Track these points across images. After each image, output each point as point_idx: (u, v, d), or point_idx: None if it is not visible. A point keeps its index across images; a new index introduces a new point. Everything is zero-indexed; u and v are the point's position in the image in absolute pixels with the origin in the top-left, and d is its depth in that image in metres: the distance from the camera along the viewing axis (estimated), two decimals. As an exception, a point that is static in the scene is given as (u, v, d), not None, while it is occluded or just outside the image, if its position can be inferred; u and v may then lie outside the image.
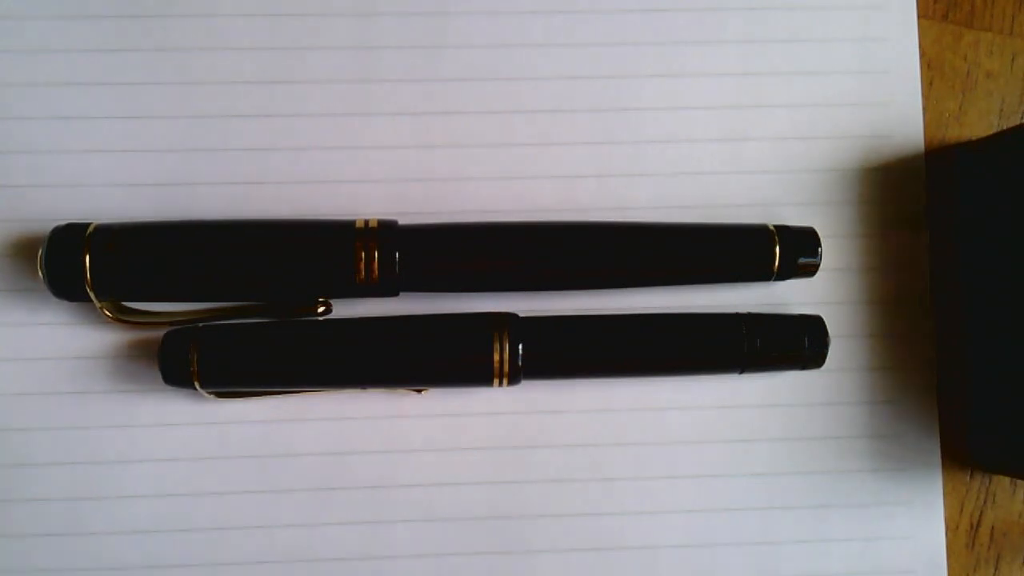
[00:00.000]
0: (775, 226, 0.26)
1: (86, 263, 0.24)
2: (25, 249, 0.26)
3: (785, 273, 0.26)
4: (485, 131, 0.27)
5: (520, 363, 0.25)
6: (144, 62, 0.27)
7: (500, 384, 0.25)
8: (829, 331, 0.26)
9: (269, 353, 0.25)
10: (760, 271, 0.26)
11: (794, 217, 0.27)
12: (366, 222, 0.25)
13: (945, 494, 0.28)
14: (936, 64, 0.29)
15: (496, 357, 0.25)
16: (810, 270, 0.27)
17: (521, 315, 0.26)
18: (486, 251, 0.25)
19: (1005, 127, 0.29)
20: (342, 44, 0.27)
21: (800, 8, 0.28)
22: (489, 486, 0.27)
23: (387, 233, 0.25)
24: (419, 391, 0.27)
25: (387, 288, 0.25)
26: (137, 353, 0.26)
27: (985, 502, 0.28)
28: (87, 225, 0.24)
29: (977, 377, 0.28)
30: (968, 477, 0.28)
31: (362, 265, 0.24)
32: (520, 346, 0.25)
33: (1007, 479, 0.28)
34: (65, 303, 0.25)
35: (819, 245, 0.26)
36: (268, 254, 0.25)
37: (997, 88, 0.29)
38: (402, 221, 0.25)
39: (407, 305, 0.26)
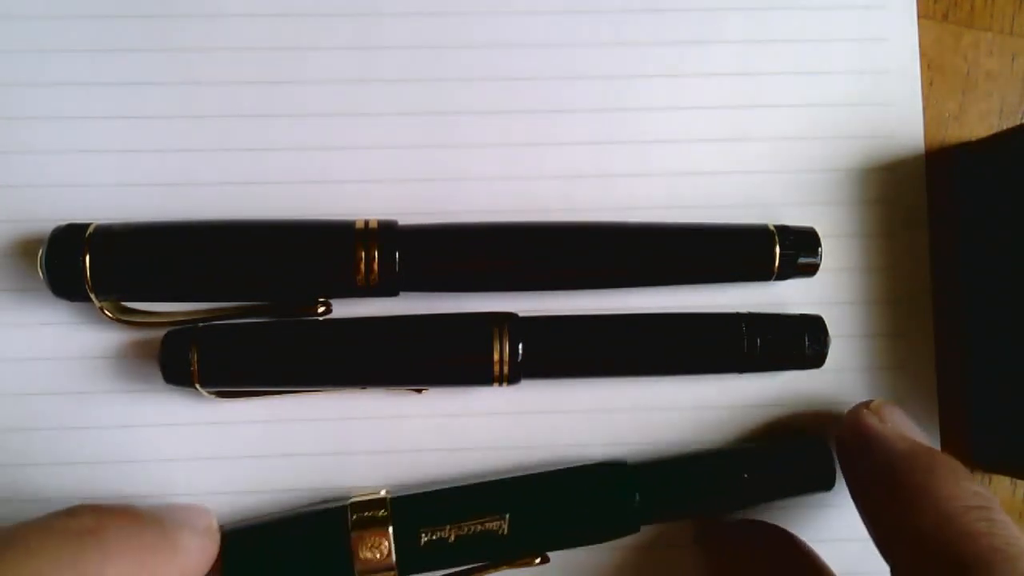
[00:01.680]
0: (775, 226, 0.26)
1: (86, 263, 0.24)
2: (25, 249, 0.26)
3: (785, 273, 0.26)
4: (485, 131, 0.27)
5: (520, 363, 0.25)
6: (144, 62, 0.27)
7: (500, 384, 0.25)
8: (829, 331, 0.26)
9: (269, 353, 0.25)
10: (760, 271, 0.26)
11: (794, 217, 0.27)
12: (366, 222, 0.25)
13: (945, 494, 0.28)
14: (936, 64, 0.29)
15: (496, 357, 0.25)
16: (810, 270, 0.27)
17: (521, 315, 0.26)
18: (486, 251, 0.25)
19: (1005, 127, 0.29)
20: (342, 44, 0.27)
21: (800, 8, 0.28)
22: (489, 486, 0.27)
23: (387, 233, 0.25)
24: (419, 391, 0.27)
25: (387, 288, 0.25)
26: (137, 353, 0.26)
27: (985, 502, 0.28)
28: (87, 225, 0.24)
29: (977, 377, 0.28)
30: (968, 477, 0.28)
31: (362, 265, 0.24)
32: (520, 346, 0.25)
33: (1007, 479, 0.28)
34: (65, 303, 0.25)
35: (819, 245, 0.26)
36: (268, 254, 0.25)
37: (997, 88, 0.29)
38: (402, 221, 0.25)
39: (407, 305, 0.26)
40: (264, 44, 0.27)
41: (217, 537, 0.24)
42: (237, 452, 0.26)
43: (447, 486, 0.26)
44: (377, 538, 0.24)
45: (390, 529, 0.24)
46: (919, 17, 0.28)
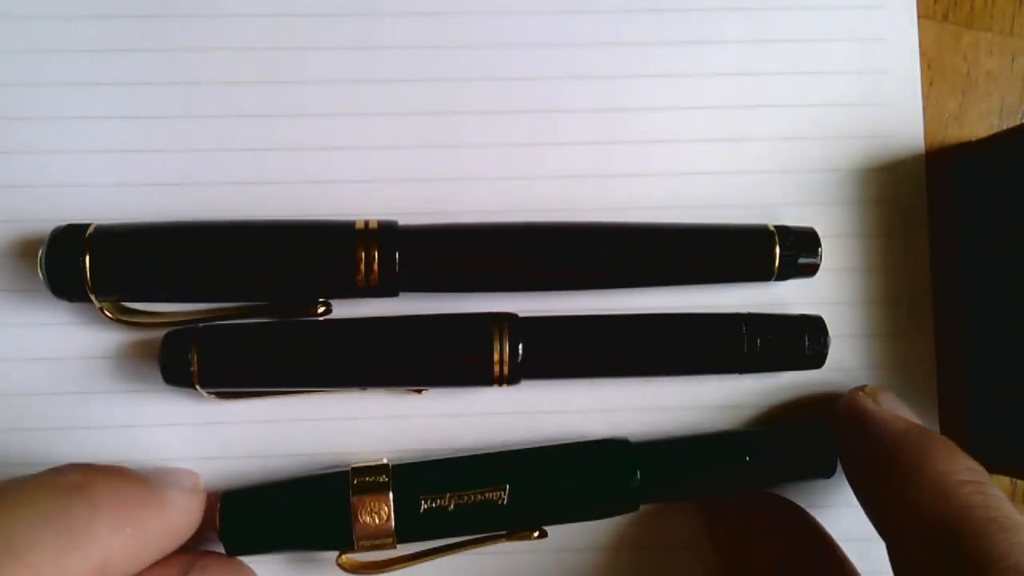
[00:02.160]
0: (775, 226, 0.26)
1: (86, 264, 0.24)
2: (25, 249, 0.26)
3: (785, 273, 0.26)
4: (485, 131, 0.27)
5: (520, 363, 0.25)
6: (144, 62, 0.27)
7: (500, 384, 0.25)
8: (829, 331, 0.26)
9: (269, 353, 0.25)
10: (760, 271, 0.26)
11: (794, 217, 0.27)
12: (366, 223, 0.25)
13: (945, 494, 0.28)
14: (936, 64, 0.29)
15: (496, 357, 0.25)
16: (810, 270, 0.27)
17: (521, 315, 0.26)
18: (486, 251, 0.25)
19: (1005, 127, 0.29)
20: (342, 44, 0.27)
21: (800, 8, 0.28)
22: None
23: (387, 234, 0.25)
24: (419, 391, 0.27)
25: (387, 289, 0.25)
26: (137, 353, 0.26)
27: (985, 502, 0.28)
28: (87, 226, 0.24)
29: (977, 377, 0.28)
30: (968, 477, 0.28)
31: (362, 266, 0.24)
32: (520, 346, 0.25)
33: (1007, 479, 0.28)
34: (65, 303, 0.25)
35: (819, 245, 0.26)
36: (268, 254, 0.25)
37: (997, 88, 0.29)
38: (402, 221, 0.25)
39: (407, 305, 0.26)
40: (264, 44, 0.27)
41: (203, 496, 0.24)
42: (237, 452, 0.26)
43: (448, 456, 0.26)
44: (377, 503, 0.24)
45: (390, 495, 0.24)
46: (919, 17, 0.28)
